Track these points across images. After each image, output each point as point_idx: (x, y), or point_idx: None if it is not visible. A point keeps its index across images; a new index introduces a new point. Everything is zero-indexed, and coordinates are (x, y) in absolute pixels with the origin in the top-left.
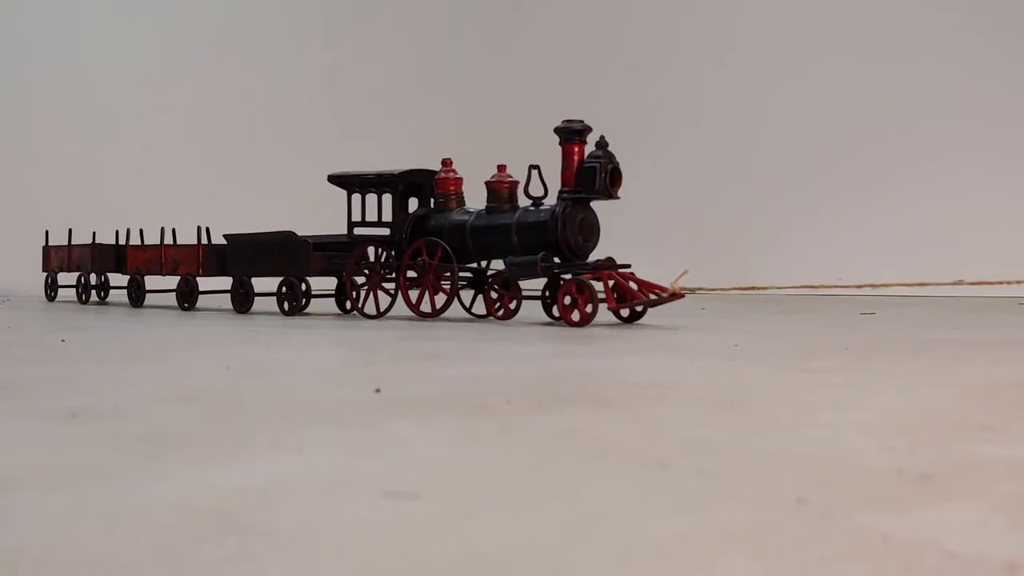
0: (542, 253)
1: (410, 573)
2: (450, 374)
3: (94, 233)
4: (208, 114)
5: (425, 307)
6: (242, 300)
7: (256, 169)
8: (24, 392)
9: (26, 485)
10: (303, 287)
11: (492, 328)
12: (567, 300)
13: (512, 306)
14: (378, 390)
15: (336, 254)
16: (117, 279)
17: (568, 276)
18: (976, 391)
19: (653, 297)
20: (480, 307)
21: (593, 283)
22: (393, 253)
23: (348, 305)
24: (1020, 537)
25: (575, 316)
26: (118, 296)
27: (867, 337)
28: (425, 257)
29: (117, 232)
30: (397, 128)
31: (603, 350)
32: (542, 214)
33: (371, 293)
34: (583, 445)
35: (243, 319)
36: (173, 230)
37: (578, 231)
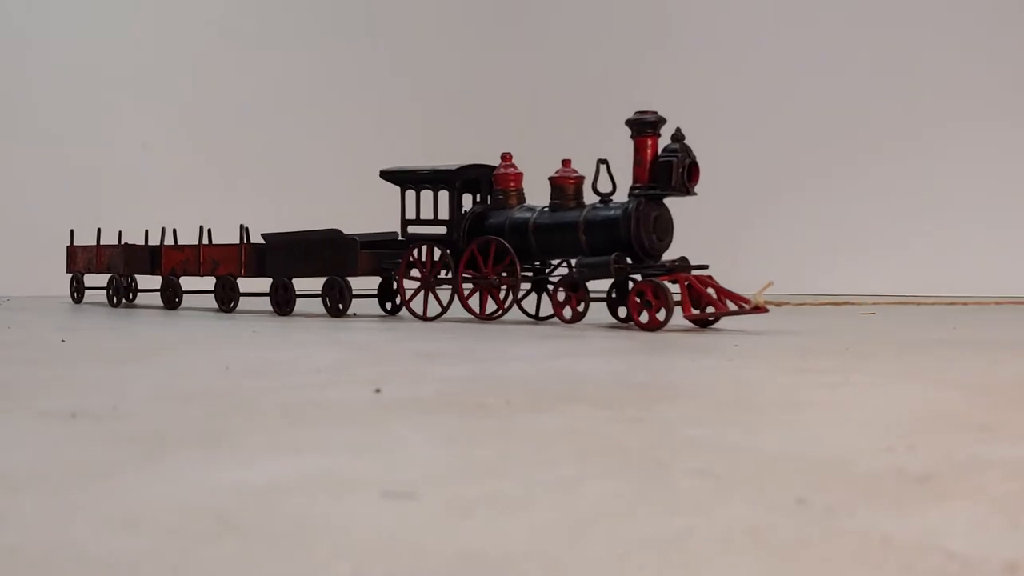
0: (615, 253)
1: (409, 573)
2: (449, 374)
3: (120, 233)
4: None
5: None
6: (283, 302)
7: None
8: (24, 392)
9: (26, 485)
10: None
11: (492, 328)
12: (640, 303)
13: (580, 308)
14: (378, 390)
15: (384, 253)
16: (144, 281)
17: (638, 277)
18: (976, 391)
19: (733, 308)
20: (532, 308)
21: (669, 286)
22: (449, 252)
23: (393, 305)
24: (1020, 537)
25: (645, 319)
26: (146, 299)
27: (867, 337)
28: (478, 257)
29: (147, 232)
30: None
31: (603, 350)
32: (612, 211)
33: (424, 294)
34: (582, 445)
35: (242, 320)
36: (209, 230)
37: (652, 229)
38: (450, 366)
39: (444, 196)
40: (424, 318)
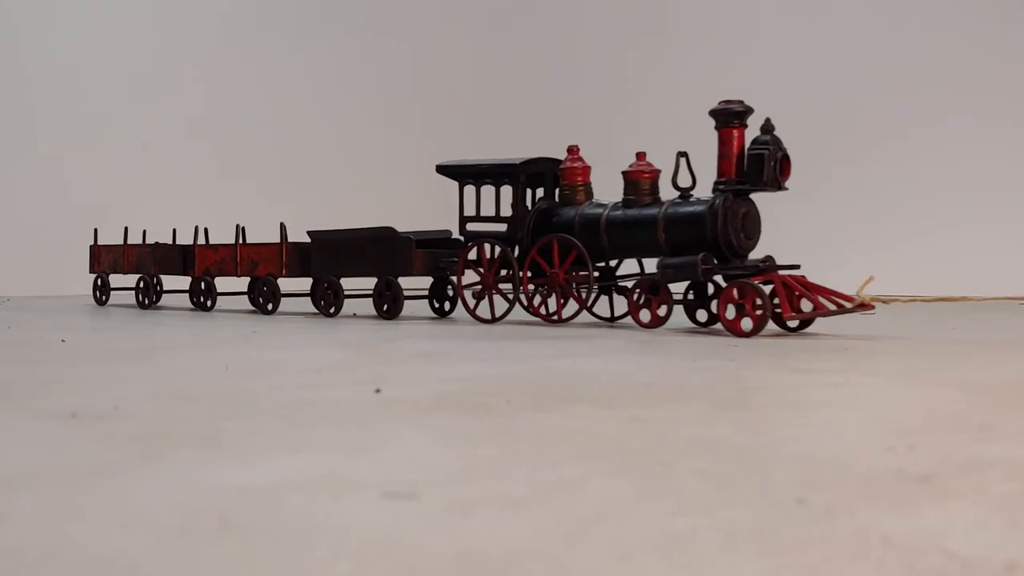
0: (702, 253)
1: (410, 573)
2: (450, 374)
3: (144, 232)
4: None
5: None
6: (329, 302)
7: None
8: (24, 392)
9: (26, 485)
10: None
11: (492, 328)
12: (730, 306)
13: (661, 312)
14: (378, 390)
15: (440, 252)
16: (171, 281)
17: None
18: (976, 391)
19: (832, 307)
20: (600, 309)
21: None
22: (511, 251)
23: (447, 307)
24: (1020, 537)
25: (746, 324)
26: (172, 300)
27: (867, 337)
28: (554, 256)
29: (175, 231)
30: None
31: (603, 350)
32: (697, 207)
33: (486, 296)
34: (583, 445)
35: (244, 320)
36: (243, 228)
37: (740, 227)
38: (450, 366)
39: (503, 191)
40: (492, 320)
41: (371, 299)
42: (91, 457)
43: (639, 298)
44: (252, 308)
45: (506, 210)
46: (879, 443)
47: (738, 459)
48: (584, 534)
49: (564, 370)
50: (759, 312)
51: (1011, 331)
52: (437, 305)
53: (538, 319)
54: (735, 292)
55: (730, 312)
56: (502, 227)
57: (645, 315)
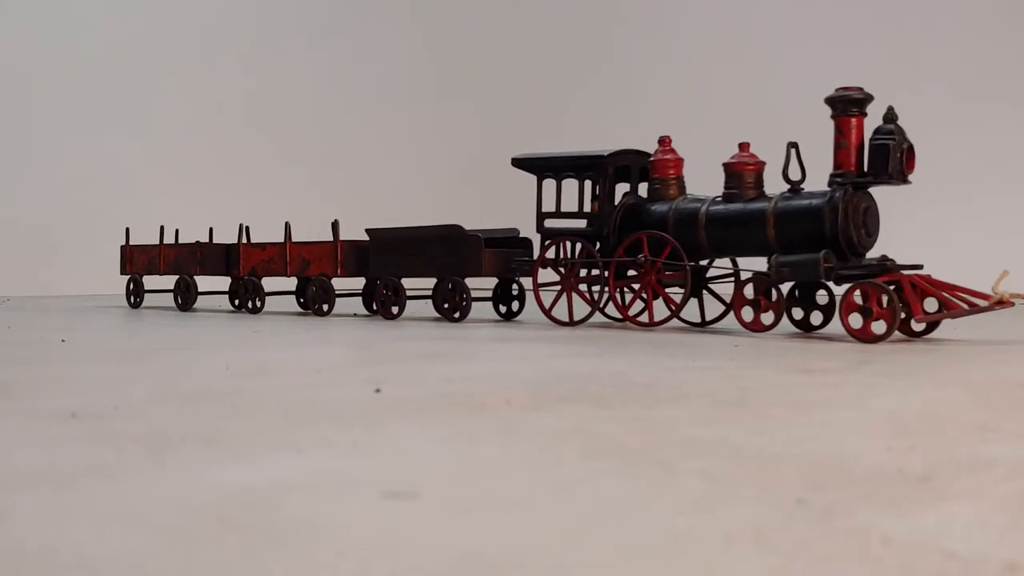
0: (824, 251)
1: (410, 573)
2: (450, 374)
3: (177, 231)
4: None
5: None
6: (390, 303)
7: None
8: (24, 392)
9: (26, 485)
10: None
11: (492, 328)
12: (856, 309)
13: (771, 316)
14: (378, 390)
15: (512, 251)
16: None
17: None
18: (976, 391)
19: (965, 307)
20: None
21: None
22: (594, 249)
23: (509, 309)
24: (1020, 537)
25: (878, 327)
26: (206, 301)
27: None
28: (647, 254)
29: (211, 229)
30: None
31: (603, 350)
32: (813, 201)
33: (567, 296)
34: (583, 445)
35: (244, 320)
36: (288, 225)
37: (861, 223)
38: (451, 366)
39: (583, 186)
40: (570, 323)
41: (430, 300)
42: (91, 457)
43: (752, 299)
44: (300, 310)
45: (578, 206)
46: (879, 443)
47: (738, 459)
48: (584, 534)
49: (564, 370)
50: (887, 312)
51: (1011, 331)
52: (505, 310)
53: (608, 321)
54: (865, 294)
55: (855, 317)
56: (583, 223)
57: (748, 314)
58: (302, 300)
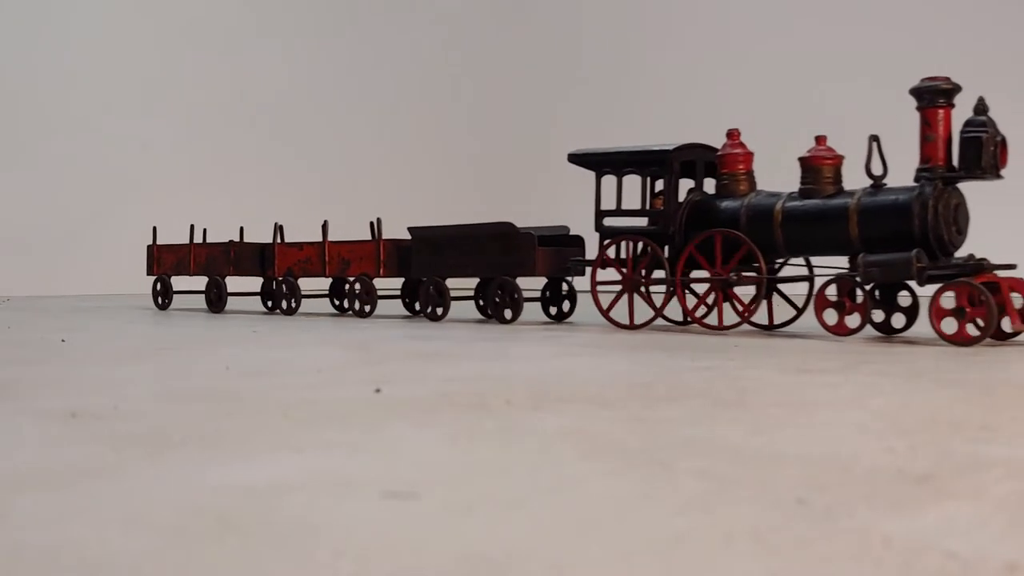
0: (915, 249)
1: (410, 573)
2: (450, 374)
3: (205, 231)
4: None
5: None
6: (432, 304)
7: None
8: (24, 392)
9: (26, 485)
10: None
11: (492, 328)
12: (951, 311)
13: (857, 319)
14: (378, 390)
15: (567, 250)
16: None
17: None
18: (976, 391)
19: None
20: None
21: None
22: (653, 248)
23: (559, 311)
24: (1020, 537)
25: (972, 330)
26: (238, 303)
27: (866, 337)
28: (705, 254)
29: (242, 228)
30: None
31: (603, 350)
32: (900, 196)
33: (628, 299)
34: (583, 445)
35: (245, 320)
36: (323, 225)
37: (952, 220)
38: (450, 366)
39: (639, 182)
40: (631, 326)
41: (473, 300)
42: (91, 457)
43: (836, 301)
44: (335, 311)
45: (641, 203)
46: (879, 443)
47: (738, 459)
48: (584, 534)
49: (564, 370)
50: (983, 313)
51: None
52: (555, 311)
53: (668, 324)
54: (962, 296)
55: (947, 320)
56: (644, 222)
57: (830, 317)
58: (336, 301)
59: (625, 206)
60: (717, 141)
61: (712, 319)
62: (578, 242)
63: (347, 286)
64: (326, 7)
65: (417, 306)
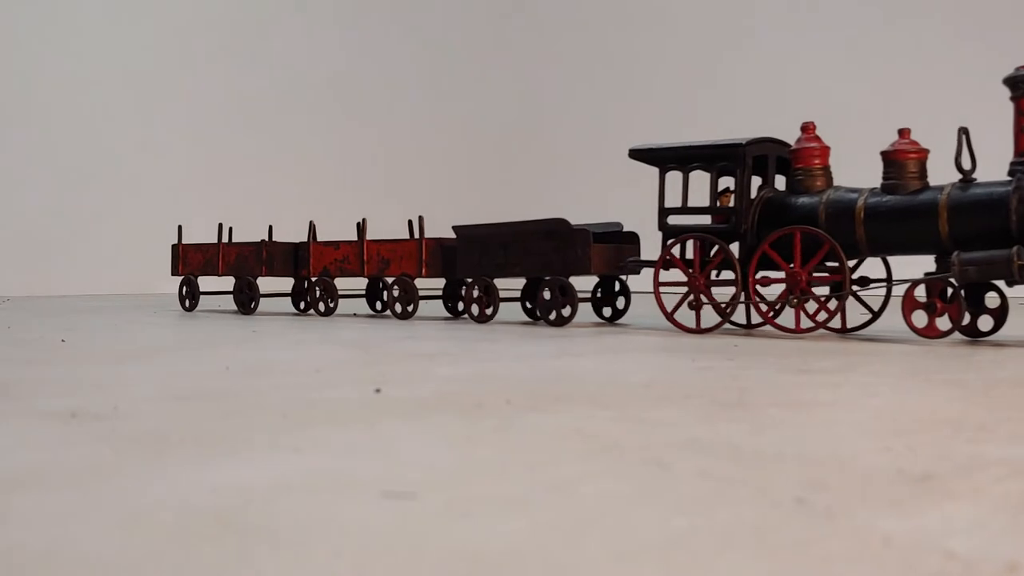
0: (1015, 247)
1: (409, 573)
2: (449, 374)
3: (231, 229)
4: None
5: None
6: (482, 304)
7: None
8: (24, 392)
9: (26, 485)
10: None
11: (492, 328)
12: None
13: (944, 325)
14: (378, 390)
15: (621, 247)
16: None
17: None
18: (975, 391)
19: None
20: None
21: None
22: (728, 247)
23: (614, 311)
24: (1020, 537)
25: None
26: (266, 304)
27: (866, 337)
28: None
29: (271, 227)
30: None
31: (602, 350)
32: (995, 191)
33: (694, 300)
34: (583, 445)
35: (245, 320)
36: (360, 223)
37: None
38: (450, 366)
39: (705, 178)
40: (697, 329)
41: (519, 301)
42: (91, 457)
43: (925, 303)
44: (370, 312)
45: (710, 200)
46: (879, 443)
47: (738, 459)
48: (584, 534)
49: (564, 370)
50: None
51: (1011, 331)
52: (609, 312)
53: (740, 328)
54: None
55: None
56: (708, 219)
57: (920, 319)
58: (373, 302)
59: (677, 204)
60: (778, 135)
61: (786, 321)
62: (633, 239)
63: (383, 286)
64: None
65: (460, 307)
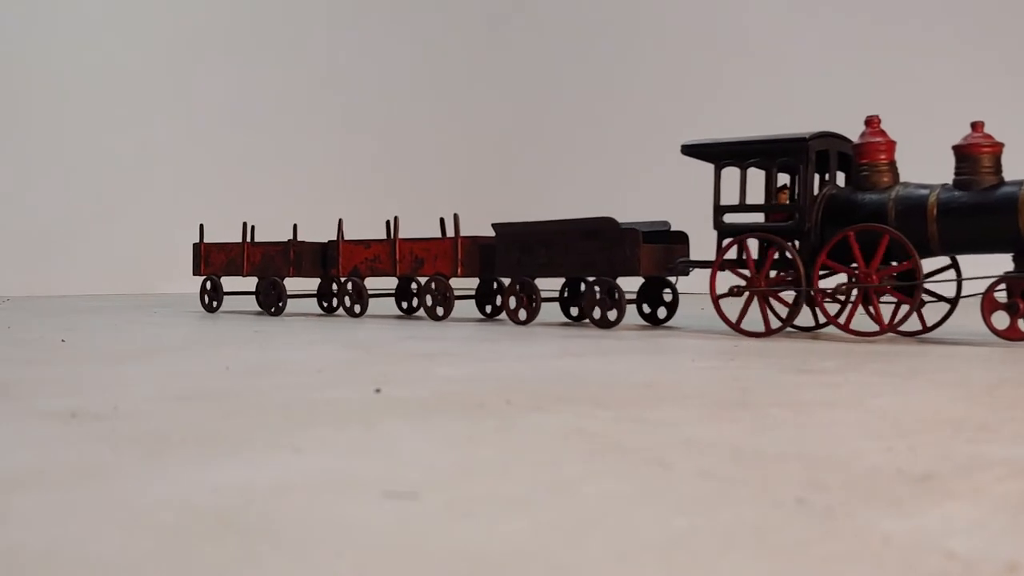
0: None
1: (410, 573)
2: (450, 374)
3: (253, 227)
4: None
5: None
6: (523, 305)
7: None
8: (24, 392)
9: (26, 485)
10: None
11: (492, 328)
12: None
13: None
14: (378, 390)
15: (671, 247)
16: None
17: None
18: (976, 391)
19: None
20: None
21: None
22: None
23: (656, 313)
24: (1020, 537)
25: None
26: (292, 305)
27: (867, 338)
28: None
29: (295, 226)
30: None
31: (603, 350)
32: None
33: (760, 303)
34: (583, 445)
35: (245, 320)
36: (392, 221)
37: None
38: (451, 366)
39: (762, 175)
40: (765, 333)
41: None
42: (91, 457)
43: (1007, 303)
44: (399, 312)
45: (765, 197)
46: (879, 443)
47: (738, 459)
48: (584, 534)
49: (564, 370)
50: None
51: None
52: (650, 309)
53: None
54: None
55: None
56: (746, 217)
57: (1000, 320)
58: (403, 303)
59: (732, 202)
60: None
61: (858, 323)
62: (682, 239)
63: (414, 286)
64: None
65: (490, 309)
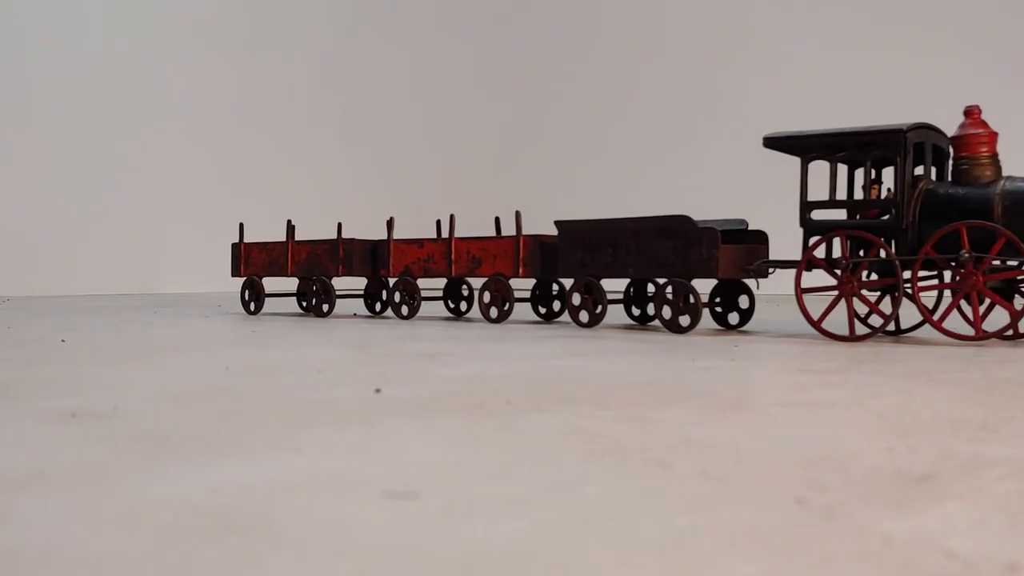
0: None
1: (410, 573)
2: (450, 374)
3: (294, 227)
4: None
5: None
6: (587, 307)
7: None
8: (24, 392)
9: (26, 485)
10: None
11: (492, 328)
12: None
13: None
14: (378, 390)
15: (753, 247)
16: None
17: None
18: (976, 391)
19: None
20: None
21: None
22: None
23: (741, 315)
24: (1020, 537)
25: None
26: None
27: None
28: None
29: (340, 225)
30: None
31: (603, 350)
32: None
33: (847, 304)
34: (583, 445)
35: (245, 320)
36: (445, 220)
37: None
38: (451, 366)
39: (852, 169)
40: (851, 337)
41: (623, 304)
42: (91, 457)
43: None
44: (448, 314)
45: (851, 192)
46: (879, 443)
47: (738, 459)
48: (584, 534)
49: (564, 370)
50: None
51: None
52: (728, 314)
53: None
54: None
55: None
56: (859, 214)
57: None
58: (452, 304)
59: (809, 197)
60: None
61: (952, 325)
62: (762, 238)
63: (469, 288)
64: None
65: (543, 310)
